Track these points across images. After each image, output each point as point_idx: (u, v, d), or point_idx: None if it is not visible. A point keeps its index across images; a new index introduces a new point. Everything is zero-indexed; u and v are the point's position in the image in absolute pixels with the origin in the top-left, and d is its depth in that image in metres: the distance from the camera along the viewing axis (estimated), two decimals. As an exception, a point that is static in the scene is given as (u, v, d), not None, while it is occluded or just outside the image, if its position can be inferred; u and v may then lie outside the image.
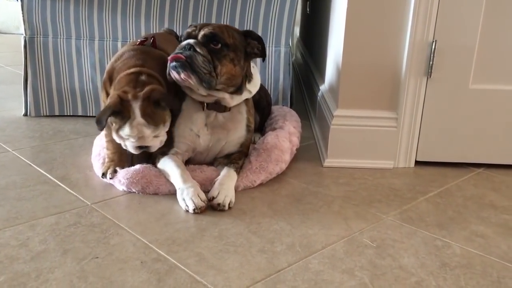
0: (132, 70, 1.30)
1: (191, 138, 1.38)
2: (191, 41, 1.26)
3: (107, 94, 1.35)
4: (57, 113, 2.00)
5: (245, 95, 1.39)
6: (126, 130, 1.26)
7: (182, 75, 1.25)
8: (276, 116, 1.72)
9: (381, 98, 1.53)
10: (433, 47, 1.45)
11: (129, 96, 1.25)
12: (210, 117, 1.38)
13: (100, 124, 1.23)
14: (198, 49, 1.24)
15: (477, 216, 1.26)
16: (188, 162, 1.43)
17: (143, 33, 1.91)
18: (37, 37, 1.92)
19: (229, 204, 1.24)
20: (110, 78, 1.36)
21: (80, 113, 2.00)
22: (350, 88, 1.53)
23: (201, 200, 1.23)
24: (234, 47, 1.29)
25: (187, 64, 1.23)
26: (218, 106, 1.36)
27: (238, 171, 1.38)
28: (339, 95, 1.54)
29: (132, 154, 1.48)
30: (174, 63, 1.24)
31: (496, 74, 1.50)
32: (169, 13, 1.88)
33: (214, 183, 1.29)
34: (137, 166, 1.36)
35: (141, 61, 1.33)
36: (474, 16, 1.43)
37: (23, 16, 1.90)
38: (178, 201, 1.26)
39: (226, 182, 1.29)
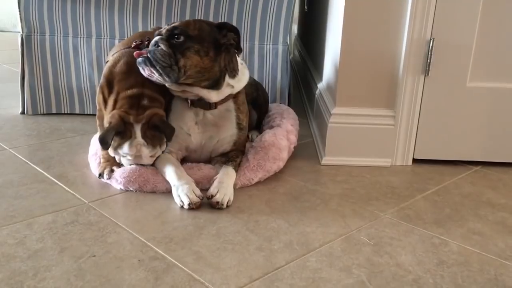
0: (134, 92, 1.32)
1: (182, 136, 1.39)
2: (156, 37, 1.29)
3: (104, 99, 1.37)
4: (54, 111, 1.99)
5: (227, 90, 1.38)
6: (125, 149, 1.31)
7: (146, 71, 1.28)
8: (273, 114, 1.72)
9: (379, 96, 1.53)
10: (431, 45, 1.45)
11: (131, 118, 1.30)
12: (199, 115, 1.39)
13: (106, 144, 1.28)
14: (160, 44, 1.26)
15: (475, 214, 1.27)
16: (184, 161, 1.43)
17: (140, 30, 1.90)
18: (34, 35, 1.91)
19: (227, 203, 1.24)
20: (109, 84, 1.36)
21: (77, 111, 2.00)
22: (348, 86, 1.53)
23: (196, 196, 1.24)
24: (199, 39, 1.28)
25: (148, 60, 1.26)
26: (203, 103, 1.37)
27: (236, 169, 1.38)
28: (337, 93, 1.53)
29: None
30: (138, 59, 1.28)
31: (494, 72, 1.50)
32: (166, 10, 1.87)
33: (213, 181, 1.29)
34: (133, 165, 1.36)
35: (141, 77, 1.31)
36: (472, 14, 1.43)
37: (20, 13, 1.90)
38: (174, 198, 1.26)
39: (225, 181, 1.29)
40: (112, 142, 1.30)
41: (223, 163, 1.38)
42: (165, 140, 1.35)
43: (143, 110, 1.31)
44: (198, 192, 1.26)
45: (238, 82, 1.40)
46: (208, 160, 1.45)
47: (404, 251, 1.08)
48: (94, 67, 1.94)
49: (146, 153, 1.32)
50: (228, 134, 1.42)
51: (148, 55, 1.26)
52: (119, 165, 1.39)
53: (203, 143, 1.41)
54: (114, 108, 1.32)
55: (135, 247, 1.05)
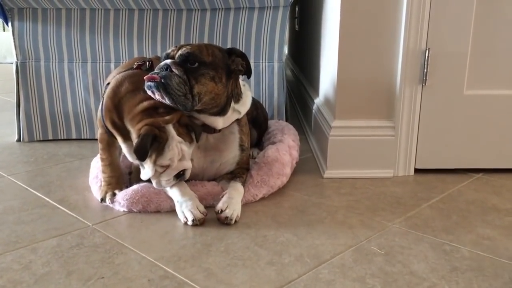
0: (145, 104, 1.25)
1: None
2: (168, 61, 1.24)
3: (113, 121, 1.30)
4: (50, 137, 1.97)
5: (234, 116, 1.37)
6: (167, 153, 1.21)
7: (157, 95, 1.23)
8: (273, 130, 1.72)
9: (378, 107, 1.54)
10: (427, 55, 1.47)
11: (161, 122, 1.22)
12: (202, 139, 1.36)
13: (144, 152, 1.19)
14: (174, 69, 1.22)
15: (482, 219, 1.26)
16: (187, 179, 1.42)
17: (135, 54, 1.91)
18: (29, 61, 1.91)
19: (235, 218, 1.23)
20: (117, 108, 1.30)
21: (74, 137, 1.98)
22: (346, 99, 1.53)
23: (200, 212, 1.22)
24: (214, 65, 1.26)
25: (161, 85, 1.21)
26: (207, 128, 1.35)
27: (243, 185, 1.37)
28: (336, 106, 1.54)
29: (129, 176, 1.47)
30: (149, 83, 1.22)
31: (490, 79, 1.52)
32: (161, 33, 1.88)
33: (222, 196, 1.28)
34: (135, 186, 1.34)
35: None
36: (465, 22, 1.46)
37: (14, 41, 1.90)
38: (178, 214, 1.24)
39: (235, 196, 1.28)
40: (150, 156, 1.22)
41: (230, 180, 1.37)
42: (194, 141, 1.29)
43: (164, 116, 1.25)
44: (202, 208, 1.24)
45: (243, 106, 1.39)
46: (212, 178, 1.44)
47: (416, 259, 1.07)
48: (90, 91, 1.93)
49: (187, 150, 1.25)
50: (230, 157, 1.40)
51: (162, 80, 1.20)
52: (121, 188, 1.37)
53: (205, 167, 1.39)
54: (135, 125, 1.25)
55: (143, 267, 1.03)
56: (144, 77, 1.24)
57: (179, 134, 1.24)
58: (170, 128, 1.23)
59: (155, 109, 1.26)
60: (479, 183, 1.52)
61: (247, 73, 1.34)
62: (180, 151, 1.23)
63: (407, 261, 1.06)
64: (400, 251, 1.10)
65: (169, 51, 1.29)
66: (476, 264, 1.05)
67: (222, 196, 1.28)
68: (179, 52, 1.25)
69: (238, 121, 1.40)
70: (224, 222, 1.22)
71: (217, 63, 1.27)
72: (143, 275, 1.00)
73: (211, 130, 1.35)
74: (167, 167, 1.24)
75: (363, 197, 1.41)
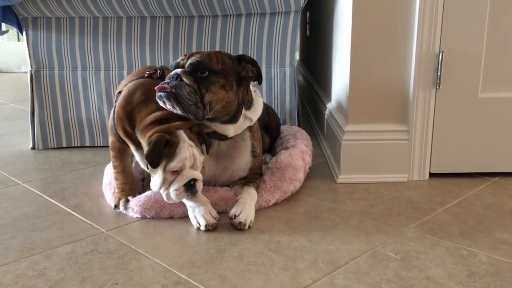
0: (157, 115, 1.24)
1: None
2: (178, 70, 1.24)
3: (125, 130, 1.29)
4: (64, 145, 1.99)
5: (246, 123, 1.36)
6: (178, 156, 1.18)
7: (168, 105, 1.22)
8: (286, 135, 1.71)
9: (391, 111, 1.53)
10: (440, 58, 1.46)
11: (171, 127, 1.21)
12: (213, 146, 1.36)
13: (156, 161, 1.17)
14: (184, 79, 1.22)
15: (499, 224, 1.24)
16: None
17: (148, 61, 1.92)
18: (43, 70, 1.93)
19: (249, 224, 1.22)
20: (129, 117, 1.29)
21: (87, 144, 2.00)
22: (359, 103, 1.52)
23: (213, 217, 1.22)
24: (224, 73, 1.25)
25: (172, 95, 1.20)
26: (219, 135, 1.34)
27: (257, 190, 1.36)
28: (349, 111, 1.53)
29: (142, 183, 1.48)
30: (160, 93, 1.22)
31: (505, 82, 1.50)
32: (173, 40, 1.89)
33: (236, 201, 1.27)
34: (148, 192, 1.34)
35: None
36: (479, 24, 1.44)
37: (28, 50, 1.92)
38: (190, 220, 1.24)
39: (249, 202, 1.27)
40: (162, 162, 1.19)
41: (243, 185, 1.36)
42: (204, 153, 1.28)
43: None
44: (214, 213, 1.24)
45: (254, 113, 1.38)
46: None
47: (432, 264, 1.05)
48: (104, 99, 1.94)
49: (198, 156, 1.22)
50: (243, 163, 1.39)
51: (173, 90, 1.20)
52: (134, 194, 1.37)
53: (217, 174, 1.39)
54: (146, 135, 1.23)
55: (157, 273, 1.03)
56: (155, 88, 1.23)
57: (190, 140, 1.22)
58: (181, 133, 1.22)
59: (167, 120, 1.24)
60: (495, 187, 1.49)
61: (258, 79, 1.33)
62: (191, 155, 1.21)
63: (423, 266, 1.04)
64: (416, 256, 1.08)
65: (178, 60, 1.28)
66: (494, 269, 1.03)
67: (236, 201, 1.27)
68: (189, 61, 1.25)
69: (249, 127, 1.39)
70: (238, 227, 1.21)
71: (227, 71, 1.26)
72: (157, 281, 1.00)
73: (223, 137, 1.35)
74: (177, 174, 1.21)
75: (377, 202, 1.39)
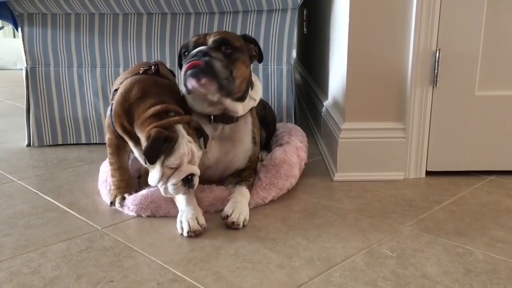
0: (159, 108, 1.23)
1: None
2: (203, 48, 1.24)
3: (123, 127, 1.28)
4: (60, 142, 1.98)
5: (250, 103, 1.38)
6: (176, 152, 1.18)
7: (203, 81, 1.20)
8: (281, 132, 1.71)
9: (388, 109, 1.53)
10: (437, 56, 1.45)
11: (170, 122, 1.21)
12: (217, 130, 1.36)
13: (154, 157, 1.17)
14: (213, 55, 1.22)
15: (495, 222, 1.24)
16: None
17: (144, 58, 1.91)
18: (38, 67, 1.92)
19: (243, 222, 1.22)
20: (127, 114, 1.28)
21: (83, 141, 1.99)
22: (356, 101, 1.52)
23: (198, 224, 1.18)
24: (242, 50, 1.30)
25: (207, 70, 1.20)
26: (225, 118, 1.34)
27: (250, 188, 1.35)
28: (345, 108, 1.53)
29: (139, 180, 1.47)
30: (192, 70, 1.20)
31: (502, 80, 1.50)
32: (170, 37, 1.88)
33: (228, 201, 1.26)
34: (144, 191, 1.34)
35: (159, 97, 1.27)
36: (476, 22, 1.44)
37: (24, 46, 1.91)
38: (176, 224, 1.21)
39: (240, 200, 1.26)
40: (160, 158, 1.18)
41: (236, 184, 1.36)
42: (202, 148, 1.27)
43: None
44: (202, 220, 1.19)
45: (257, 93, 1.41)
46: (220, 181, 1.43)
47: (428, 262, 1.05)
48: (100, 96, 1.94)
49: (196, 152, 1.21)
50: (243, 149, 1.39)
51: (207, 65, 1.20)
52: (131, 192, 1.36)
53: (219, 158, 1.38)
54: (144, 129, 1.23)
55: (153, 271, 1.02)
56: (185, 65, 1.22)
57: (189, 135, 1.22)
58: (180, 128, 1.21)
59: (166, 113, 1.24)
60: (492, 185, 1.49)
61: (260, 57, 1.38)
62: (190, 150, 1.20)
63: (419, 264, 1.04)
64: (412, 254, 1.08)
65: (194, 39, 1.30)
66: (490, 267, 1.03)
67: (227, 201, 1.26)
68: (212, 38, 1.27)
69: (251, 111, 1.41)
70: (231, 227, 1.20)
71: (244, 48, 1.32)
72: (153, 279, 0.99)
73: (228, 120, 1.35)
74: (175, 169, 1.21)
75: (373, 200, 1.39)
